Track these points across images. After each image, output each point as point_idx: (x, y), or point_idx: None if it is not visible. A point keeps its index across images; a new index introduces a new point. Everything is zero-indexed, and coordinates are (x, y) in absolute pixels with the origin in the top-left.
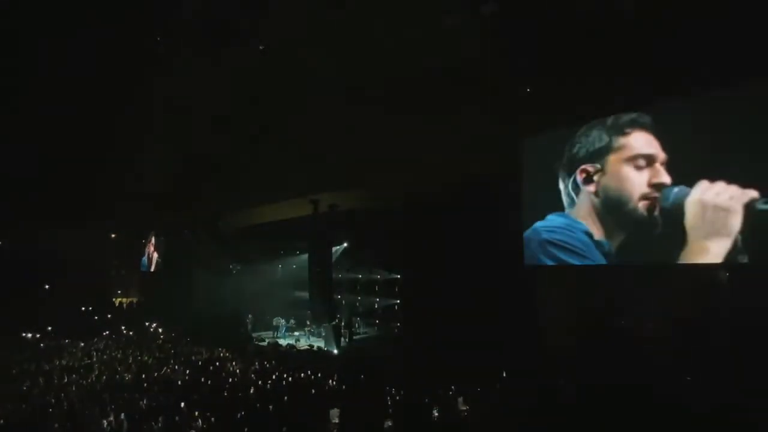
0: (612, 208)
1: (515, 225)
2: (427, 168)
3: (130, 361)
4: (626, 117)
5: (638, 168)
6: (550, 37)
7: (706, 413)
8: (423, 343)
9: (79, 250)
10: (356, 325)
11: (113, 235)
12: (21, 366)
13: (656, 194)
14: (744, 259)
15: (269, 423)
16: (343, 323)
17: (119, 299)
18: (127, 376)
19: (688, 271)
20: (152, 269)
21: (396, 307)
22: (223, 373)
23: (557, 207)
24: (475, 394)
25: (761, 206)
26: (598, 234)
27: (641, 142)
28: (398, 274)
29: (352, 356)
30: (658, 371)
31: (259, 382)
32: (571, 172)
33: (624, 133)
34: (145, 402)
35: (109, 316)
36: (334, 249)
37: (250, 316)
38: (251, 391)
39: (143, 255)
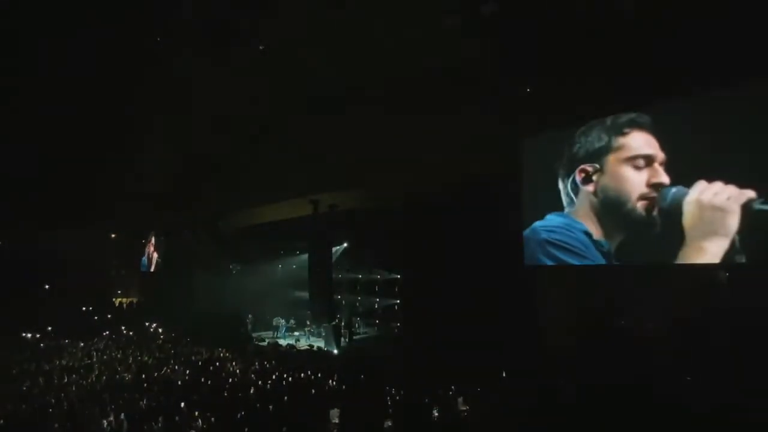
0: (610, 208)
1: (515, 225)
2: (427, 168)
3: (130, 361)
4: (625, 117)
5: (637, 168)
6: (550, 37)
7: (705, 413)
8: (423, 343)
9: (79, 250)
10: (356, 325)
11: (113, 235)
12: (21, 366)
13: (655, 194)
14: (741, 259)
15: (269, 423)
16: (343, 323)
17: (119, 299)
18: (127, 376)
19: (687, 271)
20: (152, 269)
21: (396, 307)
22: (223, 373)
23: (557, 207)
24: (475, 394)
25: (758, 206)
26: (597, 234)
27: (640, 142)
28: (398, 274)
29: (352, 356)
30: (657, 371)
31: (259, 382)
32: (570, 172)
33: (623, 133)
34: (145, 402)
35: (109, 316)
36: (334, 249)
37: (250, 316)
38: (251, 391)
39: (143, 255)
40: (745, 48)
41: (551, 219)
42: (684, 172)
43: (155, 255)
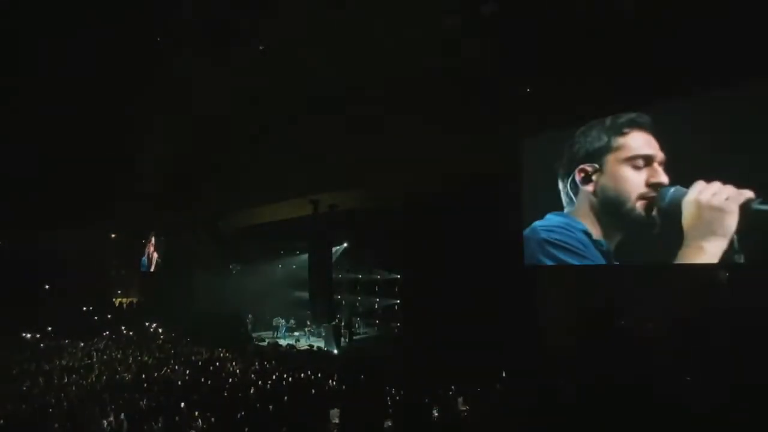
0: (610, 208)
1: (515, 225)
2: (427, 168)
3: (130, 361)
4: (625, 117)
5: (636, 168)
6: (550, 37)
7: (705, 413)
8: (423, 343)
9: (79, 250)
10: (356, 325)
11: (113, 235)
12: (21, 366)
13: (654, 194)
14: (740, 259)
15: (269, 423)
16: (343, 323)
17: (119, 299)
18: (127, 376)
19: (686, 271)
20: (152, 269)
21: (396, 307)
22: (223, 373)
23: (557, 207)
24: (475, 394)
25: (757, 207)
26: (596, 233)
27: (640, 142)
28: (398, 274)
29: (352, 356)
30: (657, 371)
31: (259, 382)
32: (570, 172)
33: (623, 133)
34: (145, 402)
35: (109, 316)
36: (334, 249)
37: (250, 316)
38: (251, 391)
39: (143, 255)
40: (745, 48)
41: (551, 219)
42: (683, 172)
43: (155, 255)
